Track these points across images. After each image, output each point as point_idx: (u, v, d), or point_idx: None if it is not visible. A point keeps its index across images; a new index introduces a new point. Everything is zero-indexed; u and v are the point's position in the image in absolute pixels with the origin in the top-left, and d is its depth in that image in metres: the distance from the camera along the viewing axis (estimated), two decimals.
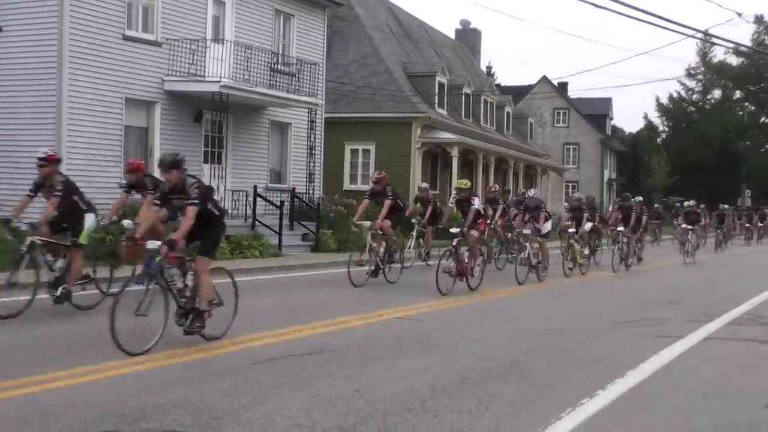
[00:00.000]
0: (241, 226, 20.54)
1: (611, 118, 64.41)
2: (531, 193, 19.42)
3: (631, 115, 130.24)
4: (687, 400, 6.98)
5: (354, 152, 32.76)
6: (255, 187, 21.82)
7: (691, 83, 69.49)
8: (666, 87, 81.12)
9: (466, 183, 14.87)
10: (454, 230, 13.90)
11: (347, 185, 31.83)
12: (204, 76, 20.55)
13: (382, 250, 15.00)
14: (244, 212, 21.27)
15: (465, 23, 50.22)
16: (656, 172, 63.53)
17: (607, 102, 62.91)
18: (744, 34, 67.31)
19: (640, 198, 23.17)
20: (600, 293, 16.00)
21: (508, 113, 44.67)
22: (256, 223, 20.93)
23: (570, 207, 20.22)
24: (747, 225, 40.66)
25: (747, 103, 69.69)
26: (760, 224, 41.64)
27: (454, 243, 13.69)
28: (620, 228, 20.59)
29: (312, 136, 24.76)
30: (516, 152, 41.16)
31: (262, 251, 19.25)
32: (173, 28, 20.46)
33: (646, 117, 72.74)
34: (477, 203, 14.38)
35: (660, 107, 70.48)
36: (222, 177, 20.78)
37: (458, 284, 13.88)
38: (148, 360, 7.60)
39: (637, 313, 12.46)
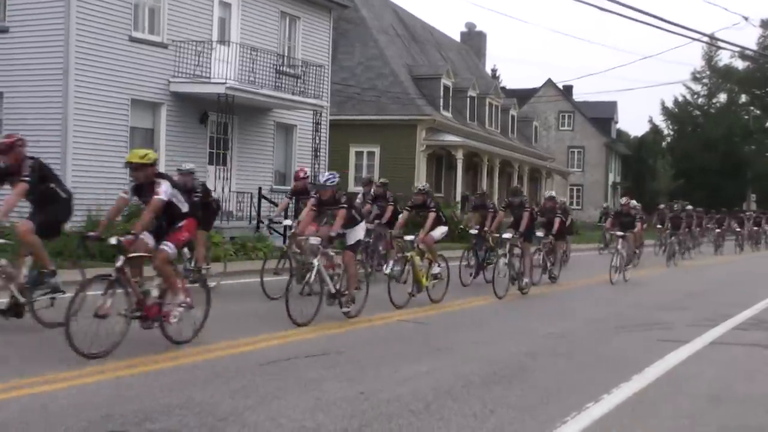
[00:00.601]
0: (246, 227, 20.59)
1: (616, 122, 64.37)
2: (324, 178, 11.18)
3: (636, 118, 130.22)
4: (692, 404, 6.96)
5: (359, 154, 32.79)
6: (260, 188, 21.86)
7: (697, 87, 69.47)
8: (671, 91, 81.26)
9: (144, 155, 8.27)
10: (113, 240, 7.92)
11: (352, 188, 31.84)
12: (210, 78, 20.59)
13: (24, 271, 8.80)
14: (248, 214, 21.31)
15: (470, 26, 50.26)
16: (661, 175, 63.46)
17: (612, 105, 62.89)
18: (750, 38, 67.64)
19: (552, 193, 18.34)
20: (603, 298, 15.95)
21: (512, 116, 44.68)
22: (261, 224, 20.97)
23: (411, 204, 13.54)
24: (718, 230, 32.62)
25: (752, 107, 69.60)
26: (738, 229, 34.97)
27: (119, 264, 7.84)
28: (506, 234, 14.79)
29: (317, 138, 24.79)
30: (521, 155, 41.17)
31: (266, 253, 19.24)
32: (179, 30, 20.51)
33: (651, 121, 72.50)
34: (164, 190, 8.10)
35: (665, 111, 70.41)
36: (227, 178, 20.81)
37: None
38: (152, 361, 7.61)
39: (641, 317, 12.44)
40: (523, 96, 54.98)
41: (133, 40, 19.45)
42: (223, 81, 20.30)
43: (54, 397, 6.23)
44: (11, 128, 18.67)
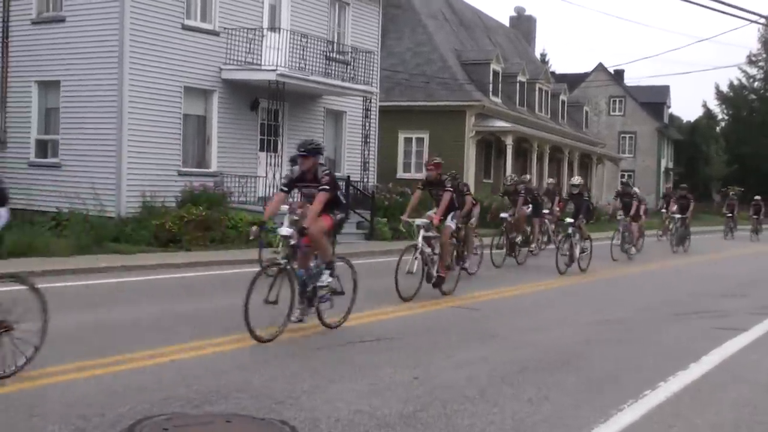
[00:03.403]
0: None
1: (669, 107, 63.21)
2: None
3: (689, 103, 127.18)
4: (752, 393, 6.85)
5: (408, 141, 32.72)
6: None
7: (753, 70, 67.80)
8: (726, 74, 79.38)
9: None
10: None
11: (401, 173, 31.83)
12: (260, 65, 20.71)
13: None
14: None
15: (519, 10, 49.73)
16: (714, 161, 62.23)
17: (664, 90, 61.76)
18: None
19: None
20: (658, 284, 15.76)
21: (562, 101, 44.18)
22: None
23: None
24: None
25: None
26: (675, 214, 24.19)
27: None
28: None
29: (367, 124, 24.81)
30: (571, 141, 40.69)
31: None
32: (231, 17, 20.66)
33: (704, 105, 71.22)
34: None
35: (719, 95, 68.95)
36: (278, 165, 20.92)
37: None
38: (210, 345, 7.73)
39: (697, 304, 12.26)
40: (573, 81, 54.28)
41: (185, 28, 19.66)
42: (274, 68, 20.40)
43: (117, 379, 6.37)
44: (68, 116, 19.10)
